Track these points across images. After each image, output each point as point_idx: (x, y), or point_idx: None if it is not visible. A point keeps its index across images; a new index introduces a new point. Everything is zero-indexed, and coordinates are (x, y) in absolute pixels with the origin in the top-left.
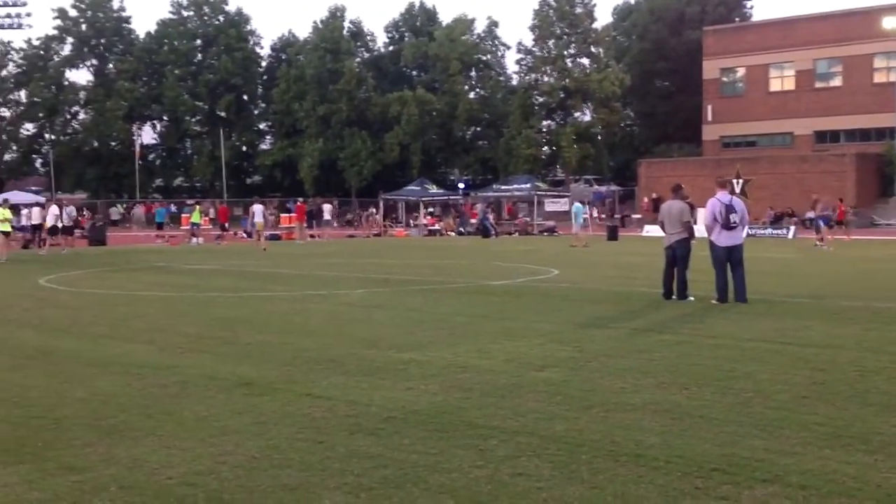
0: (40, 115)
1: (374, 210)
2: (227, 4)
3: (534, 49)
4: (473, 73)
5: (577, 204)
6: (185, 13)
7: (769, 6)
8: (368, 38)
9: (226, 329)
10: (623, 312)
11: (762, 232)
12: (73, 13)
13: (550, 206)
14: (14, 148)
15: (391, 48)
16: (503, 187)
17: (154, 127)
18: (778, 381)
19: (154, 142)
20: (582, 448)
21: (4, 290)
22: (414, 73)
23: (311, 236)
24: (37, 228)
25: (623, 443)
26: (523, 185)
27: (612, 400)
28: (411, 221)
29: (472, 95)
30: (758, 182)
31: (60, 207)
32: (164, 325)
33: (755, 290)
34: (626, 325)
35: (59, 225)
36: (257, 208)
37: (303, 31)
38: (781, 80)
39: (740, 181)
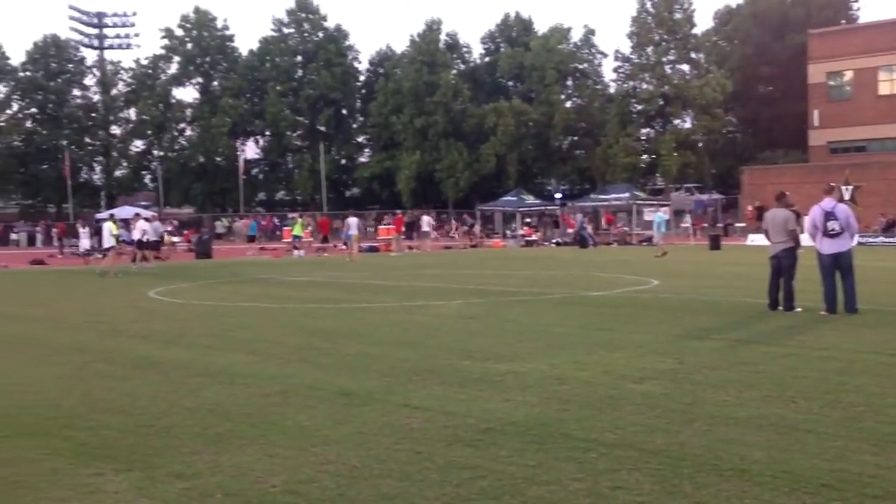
0: (149, 132)
1: (471, 221)
2: (326, 21)
3: (632, 56)
4: (570, 82)
5: (659, 213)
6: (286, 30)
7: (877, 7)
8: (464, 49)
9: (326, 340)
10: (726, 323)
11: (873, 240)
12: (179, 33)
13: (650, 215)
14: (124, 164)
15: (487, 59)
16: (601, 196)
17: (257, 142)
18: (890, 394)
19: (257, 156)
20: (684, 462)
21: (115, 302)
22: (510, 83)
23: (409, 248)
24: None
25: (727, 457)
26: (622, 195)
27: (714, 413)
28: (507, 232)
29: (568, 104)
30: (868, 188)
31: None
32: (267, 336)
33: (866, 299)
34: (729, 337)
35: (146, 239)
36: (352, 221)
37: (400, 45)
38: (891, 83)
39: (849, 188)
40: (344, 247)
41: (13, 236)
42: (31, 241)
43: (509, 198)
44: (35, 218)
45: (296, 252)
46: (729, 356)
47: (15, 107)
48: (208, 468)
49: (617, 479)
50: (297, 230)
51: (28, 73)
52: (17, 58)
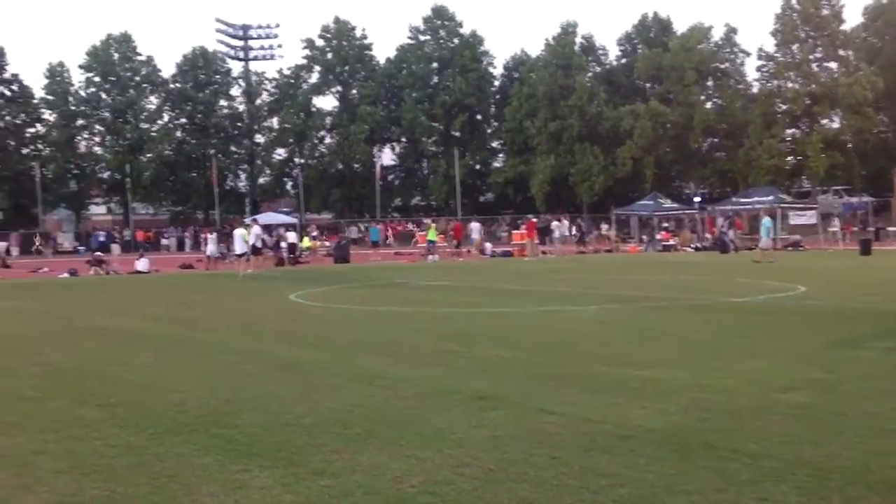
0: (290, 140)
1: (606, 226)
2: (461, 27)
3: (776, 54)
4: (710, 83)
5: (767, 217)
6: (422, 38)
7: None
8: (600, 51)
9: (461, 344)
10: (879, 331)
11: None
12: (320, 43)
13: (795, 219)
14: (268, 171)
15: (623, 61)
16: (742, 200)
17: (393, 148)
18: None
19: (393, 163)
20: (832, 475)
21: (259, 305)
22: (647, 84)
23: (544, 252)
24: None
25: (878, 470)
26: (765, 198)
27: (866, 424)
28: (644, 237)
29: (708, 105)
30: None
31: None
32: (403, 339)
33: None
34: (882, 345)
35: (259, 245)
36: (475, 226)
37: (535, 49)
38: None
39: None
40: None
41: (164, 241)
42: (181, 246)
43: (646, 202)
44: (184, 224)
45: (430, 257)
46: (882, 365)
47: (166, 117)
48: (348, 467)
49: (761, 490)
50: (431, 235)
51: (178, 85)
52: (167, 70)
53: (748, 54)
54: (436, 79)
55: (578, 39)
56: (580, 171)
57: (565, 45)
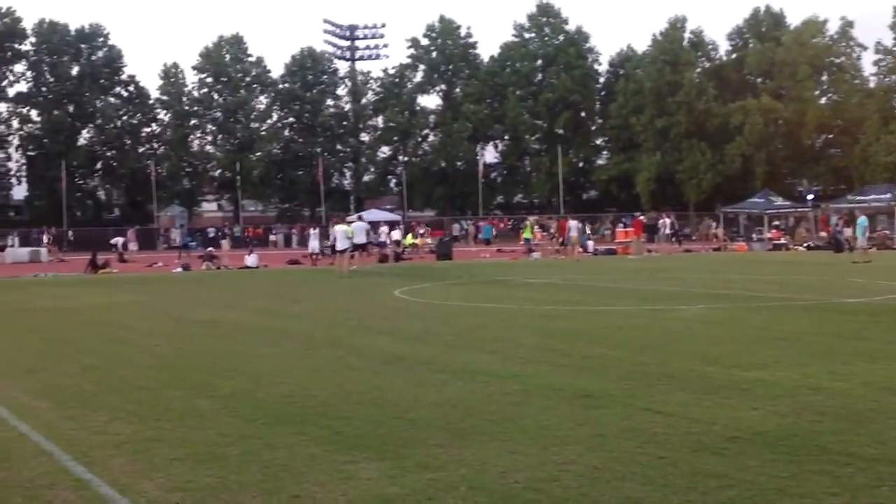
0: (395, 138)
1: (714, 224)
2: (567, 24)
3: (895, 49)
4: (825, 78)
5: (863, 217)
6: (526, 35)
7: None
8: (710, 46)
9: (564, 341)
10: None
11: None
12: (424, 42)
13: None
14: (372, 169)
15: (734, 56)
16: (858, 198)
17: (496, 146)
18: None
19: (496, 160)
20: None
21: (363, 300)
22: (758, 80)
23: (649, 251)
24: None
25: None
26: (882, 196)
27: None
28: (753, 235)
29: (822, 101)
30: None
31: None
32: (506, 335)
33: None
34: None
35: (365, 241)
36: (572, 224)
37: (641, 45)
38: None
39: None
40: (581, 249)
41: (272, 238)
42: (288, 242)
43: (756, 199)
44: (291, 221)
45: (533, 254)
46: None
47: (275, 116)
48: (453, 461)
49: (878, 495)
50: (527, 233)
51: (286, 85)
52: (276, 71)
53: (865, 48)
54: (540, 76)
55: (687, 34)
56: (687, 168)
57: (673, 40)
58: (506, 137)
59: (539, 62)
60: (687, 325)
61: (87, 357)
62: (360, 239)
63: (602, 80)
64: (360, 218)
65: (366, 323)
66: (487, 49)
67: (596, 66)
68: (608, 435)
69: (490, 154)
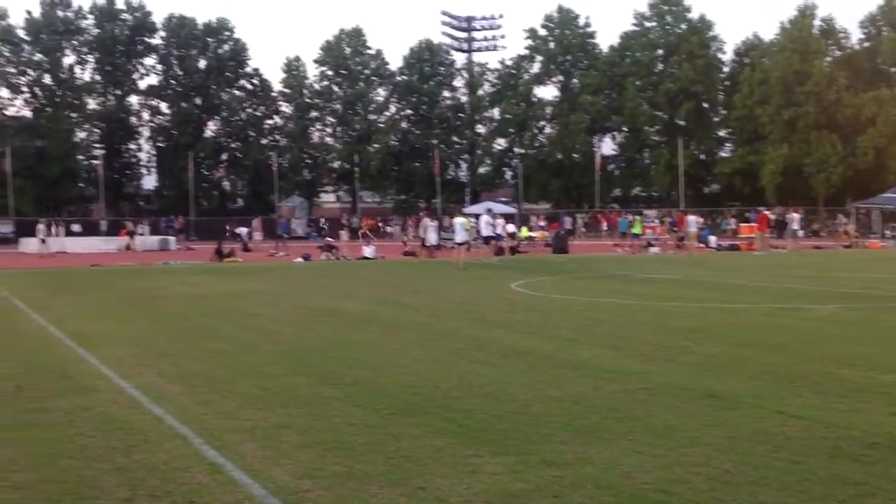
0: (511, 130)
1: (845, 219)
2: (690, 12)
3: None
4: None
5: None
6: (647, 24)
7: None
8: (841, 35)
9: (687, 339)
10: None
11: None
12: (542, 32)
13: None
14: (487, 161)
15: (866, 44)
16: None
17: (613, 138)
18: None
19: (613, 152)
20: None
21: (481, 293)
22: (892, 69)
23: (773, 247)
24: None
25: None
26: None
27: None
28: (887, 232)
29: None
30: None
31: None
32: (627, 332)
33: None
34: None
35: (490, 234)
36: (691, 219)
37: (768, 33)
38: None
39: None
40: (701, 245)
41: (388, 229)
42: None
43: (890, 194)
44: (407, 212)
45: (651, 249)
46: None
47: (392, 108)
48: (578, 459)
49: None
50: (636, 228)
51: (404, 77)
52: (395, 63)
53: None
54: (660, 66)
55: (817, 22)
56: (816, 161)
57: (802, 28)
58: (624, 129)
59: (660, 51)
60: (818, 325)
61: (216, 343)
62: (488, 231)
63: (726, 69)
64: (488, 211)
65: (484, 315)
66: (606, 39)
67: (720, 55)
68: (739, 437)
69: (608, 146)
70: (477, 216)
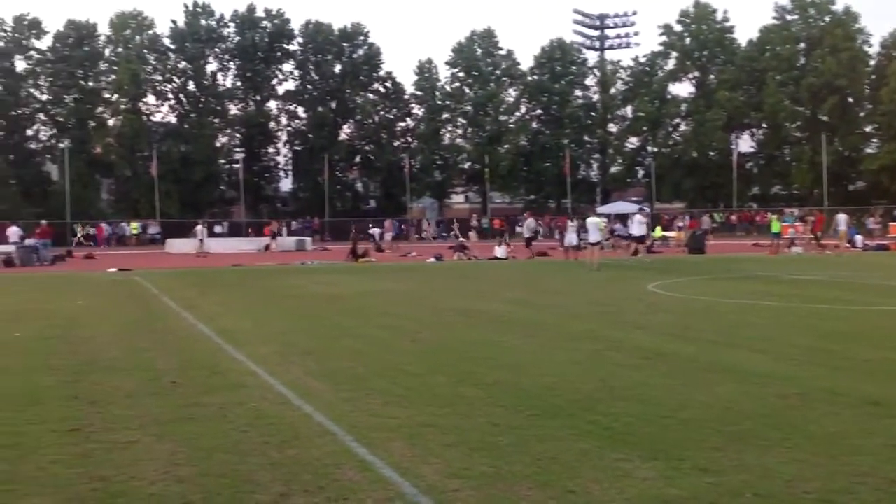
0: (644, 128)
1: None
2: (833, 4)
3: None
4: None
5: None
6: (788, 17)
7: None
8: None
9: (838, 342)
10: None
11: None
12: (677, 28)
13: None
14: (619, 161)
15: None
16: None
17: (752, 134)
18: None
19: (751, 149)
20: None
21: (617, 294)
22: None
23: None
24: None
25: None
26: None
27: None
28: None
29: None
30: None
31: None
32: (773, 334)
33: None
34: None
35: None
36: (841, 217)
37: None
38: None
39: None
40: (847, 245)
41: (517, 229)
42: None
43: None
44: (538, 213)
45: (793, 249)
46: None
47: (523, 109)
48: (733, 466)
49: None
50: (774, 227)
51: (535, 77)
52: (525, 63)
53: None
54: (802, 60)
55: None
56: None
57: None
58: (763, 125)
59: (802, 45)
60: None
61: (355, 342)
62: (640, 231)
63: (872, 62)
64: (640, 210)
65: (621, 317)
66: (745, 33)
67: (866, 48)
68: None
69: (745, 143)
70: (627, 216)
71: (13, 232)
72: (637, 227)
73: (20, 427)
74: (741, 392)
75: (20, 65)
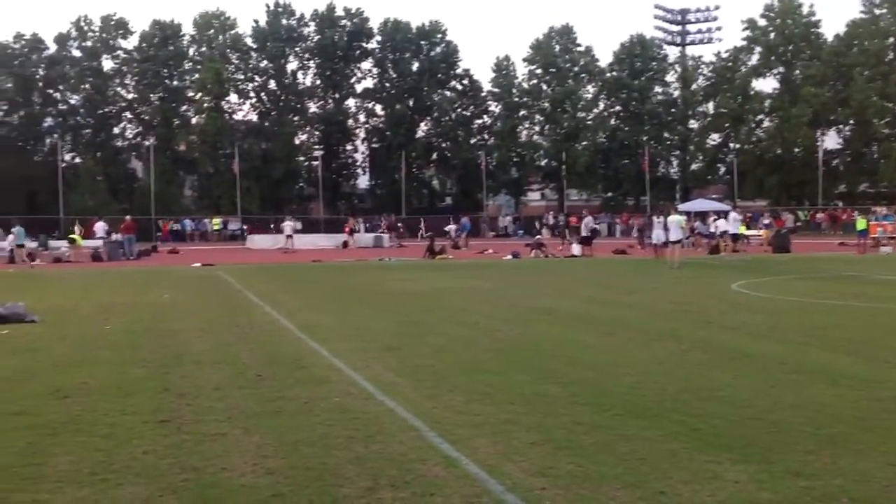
0: (726, 124)
1: None
2: None
3: None
4: None
5: None
6: (877, 11)
7: None
8: None
9: None
10: None
11: None
12: (762, 23)
13: None
14: (700, 158)
15: None
16: None
17: (839, 131)
18: None
19: (838, 146)
20: None
21: (699, 292)
22: None
23: None
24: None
25: None
26: None
27: None
28: None
29: None
30: None
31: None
32: (866, 336)
33: None
34: None
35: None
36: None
37: None
38: None
39: None
40: None
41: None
42: (611, 232)
43: None
44: (615, 210)
45: (883, 248)
46: None
47: (601, 105)
48: (827, 470)
49: None
50: (860, 225)
51: (614, 74)
52: (604, 59)
53: None
54: (891, 55)
55: None
56: None
57: None
58: (850, 122)
59: (891, 40)
60: None
61: (436, 338)
62: (734, 229)
63: None
64: (734, 208)
65: (705, 316)
66: (832, 28)
67: None
68: None
69: (832, 140)
70: (725, 213)
71: (100, 227)
72: (732, 224)
73: (114, 418)
74: (832, 394)
75: (107, 64)
